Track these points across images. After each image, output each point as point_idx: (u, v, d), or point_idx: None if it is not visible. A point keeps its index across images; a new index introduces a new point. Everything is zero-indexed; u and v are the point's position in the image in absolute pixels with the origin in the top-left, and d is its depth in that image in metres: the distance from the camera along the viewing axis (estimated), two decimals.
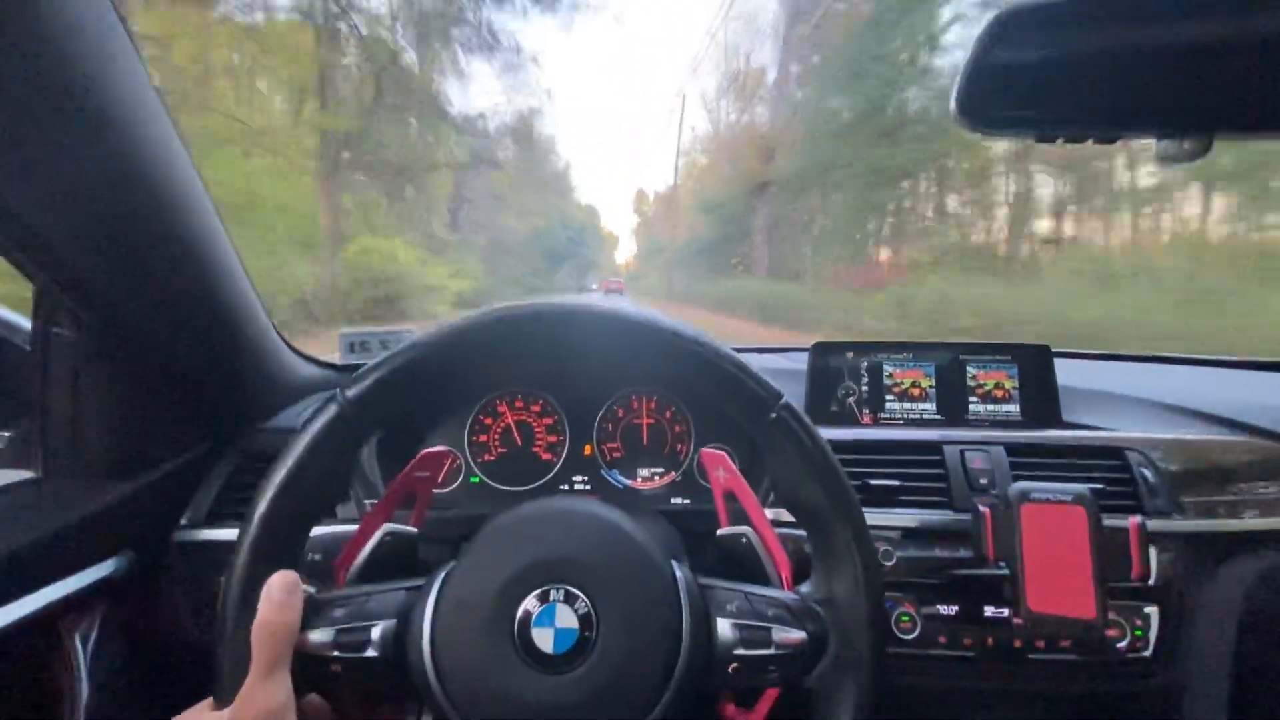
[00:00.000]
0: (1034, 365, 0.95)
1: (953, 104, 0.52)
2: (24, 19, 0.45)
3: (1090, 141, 0.53)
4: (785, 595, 0.48)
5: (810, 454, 0.47)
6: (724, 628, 0.45)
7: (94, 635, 0.68)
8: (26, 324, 0.71)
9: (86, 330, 0.65)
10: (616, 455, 0.91)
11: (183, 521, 0.77)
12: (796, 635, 0.45)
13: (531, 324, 0.47)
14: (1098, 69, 0.51)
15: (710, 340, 0.47)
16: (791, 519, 0.51)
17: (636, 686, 0.42)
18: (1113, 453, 0.82)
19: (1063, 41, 0.50)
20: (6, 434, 0.73)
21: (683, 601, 0.44)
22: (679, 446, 0.91)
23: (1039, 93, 0.52)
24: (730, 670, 0.45)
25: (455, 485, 0.89)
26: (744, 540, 0.58)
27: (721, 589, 0.48)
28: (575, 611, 0.42)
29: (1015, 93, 0.52)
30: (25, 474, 0.70)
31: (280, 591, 0.42)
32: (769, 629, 0.45)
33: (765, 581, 0.56)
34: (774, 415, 0.47)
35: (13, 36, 0.45)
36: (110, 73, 0.52)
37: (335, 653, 0.43)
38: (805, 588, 0.49)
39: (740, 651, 0.45)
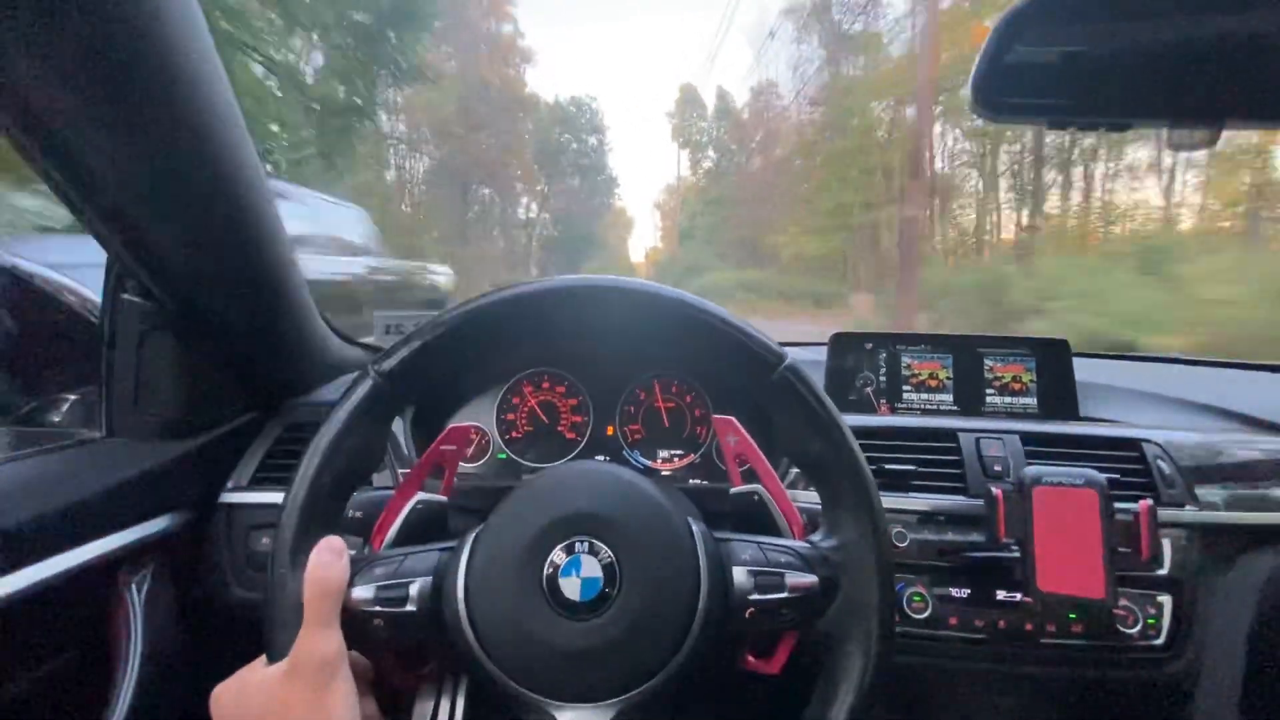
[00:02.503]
0: (1052, 359, 0.96)
1: (969, 93, 0.54)
2: (120, 15, 0.50)
3: (1102, 129, 0.55)
4: (796, 543, 0.51)
5: (813, 409, 0.50)
6: (739, 575, 0.48)
7: (147, 586, 0.72)
8: (93, 296, 0.77)
9: (153, 300, 0.70)
10: (638, 437, 0.94)
11: (229, 484, 0.82)
12: (808, 579, 0.48)
13: (547, 298, 0.50)
14: (1110, 60, 0.53)
15: (717, 307, 0.50)
16: (804, 495, 0.53)
17: (658, 631, 0.45)
18: (1129, 444, 0.82)
19: (1077, 34, 0.53)
20: (73, 397, 0.79)
21: (700, 552, 0.47)
22: (698, 430, 0.93)
23: (1052, 83, 0.54)
24: (747, 615, 0.47)
25: (484, 460, 0.92)
26: (755, 497, 0.60)
27: (736, 541, 0.50)
28: (599, 562, 0.45)
29: (1029, 82, 0.54)
30: (90, 433, 0.76)
31: (329, 553, 0.45)
32: (782, 574, 0.48)
33: (778, 535, 0.58)
34: (777, 376, 0.49)
35: (105, 24, 0.50)
36: (191, 67, 0.57)
37: (376, 608, 0.46)
38: (815, 536, 0.52)
39: (755, 597, 0.47)
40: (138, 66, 0.52)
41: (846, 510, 0.50)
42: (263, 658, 0.46)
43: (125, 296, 0.70)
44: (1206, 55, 0.51)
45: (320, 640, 0.42)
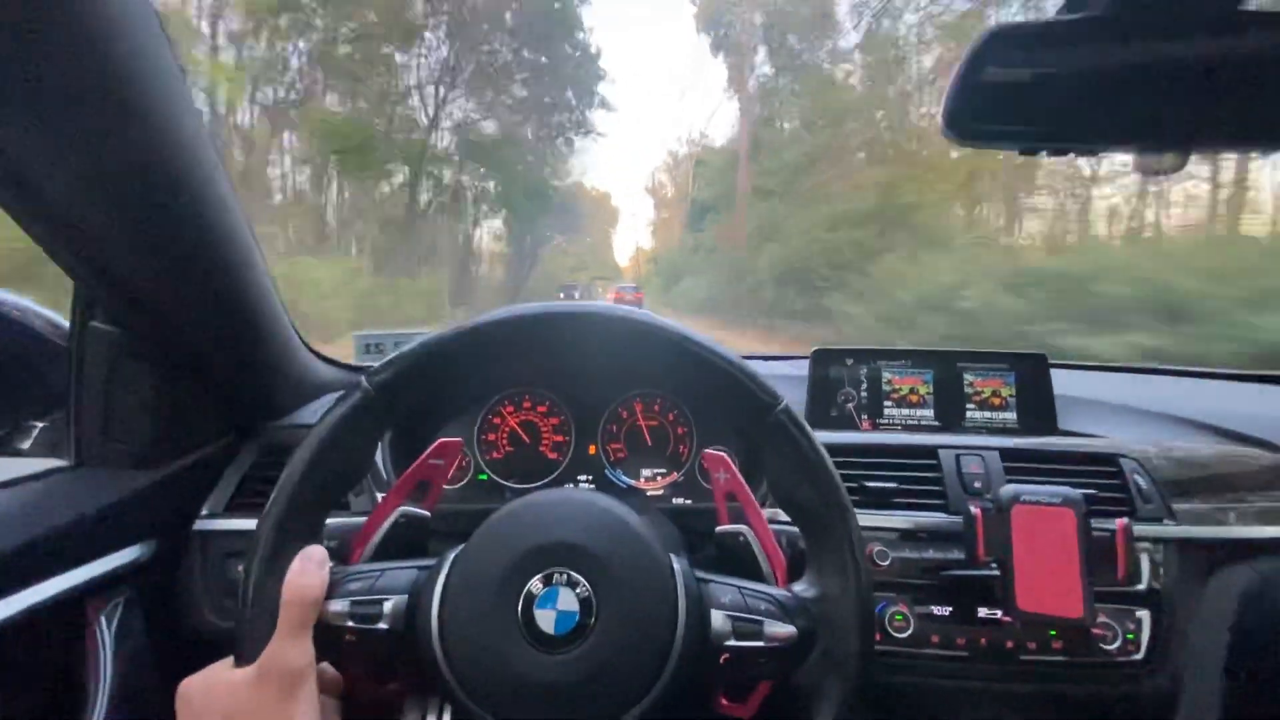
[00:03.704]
0: (1031, 373, 0.96)
1: (941, 117, 0.54)
2: (80, 35, 0.49)
3: (1072, 155, 0.56)
4: (778, 591, 0.50)
5: (807, 456, 0.49)
6: (718, 619, 0.47)
7: (118, 617, 0.71)
8: (63, 322, 0.75)
9: (122, 326, 0.69)
10: (620, 456, 0.93)
11: (203, 511, 0.80)
12: (786, 629, 0.47)
13: (542, 324, 0.50)
14: (1081, 87, 0.53)
15: (715, 345, 0.50)
16: (788, 519, 0.53)
17: (631, 670, 0.44)
18: (1107, 459, 0.83)
19: (1047, 60, 0.53)
20: (41, 424, 0.77)
21: (679, 592, 0.47)
22: (681, 448, 0.93)
23: (1024, 108, 0.55)
24: (722, 660, 0.47)
25: (464, 482, 0.91)
26: (741, 538, 0.60)
27: (717, 583, 0.50)
28: (576, 595, 0.45)
29: (1001, 108, 0.54)
30: (58, 462, 0.74)
31: (310, 562, 0.46)
32: (761, 622, 0.47)
33: (760, 578, 0.58)
34: (773, 418, 0.49)
35: (66, 46, 0.48)
36: (156, 87, 0.56)
37: (349, 623, 0.46)
38: (798, 585, 0.51)
39: (732, 643, 0.47)
40: (101, 88, 0.51)
41: (830, 561, 0.49)
42: (228, 660, 0.46)
43: (94, 324, 0.68)
44: (1175, 81, 0.51)
45: (290, 649, 0.43)
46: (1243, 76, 0.50)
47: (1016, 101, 0.55)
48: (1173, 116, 0.52)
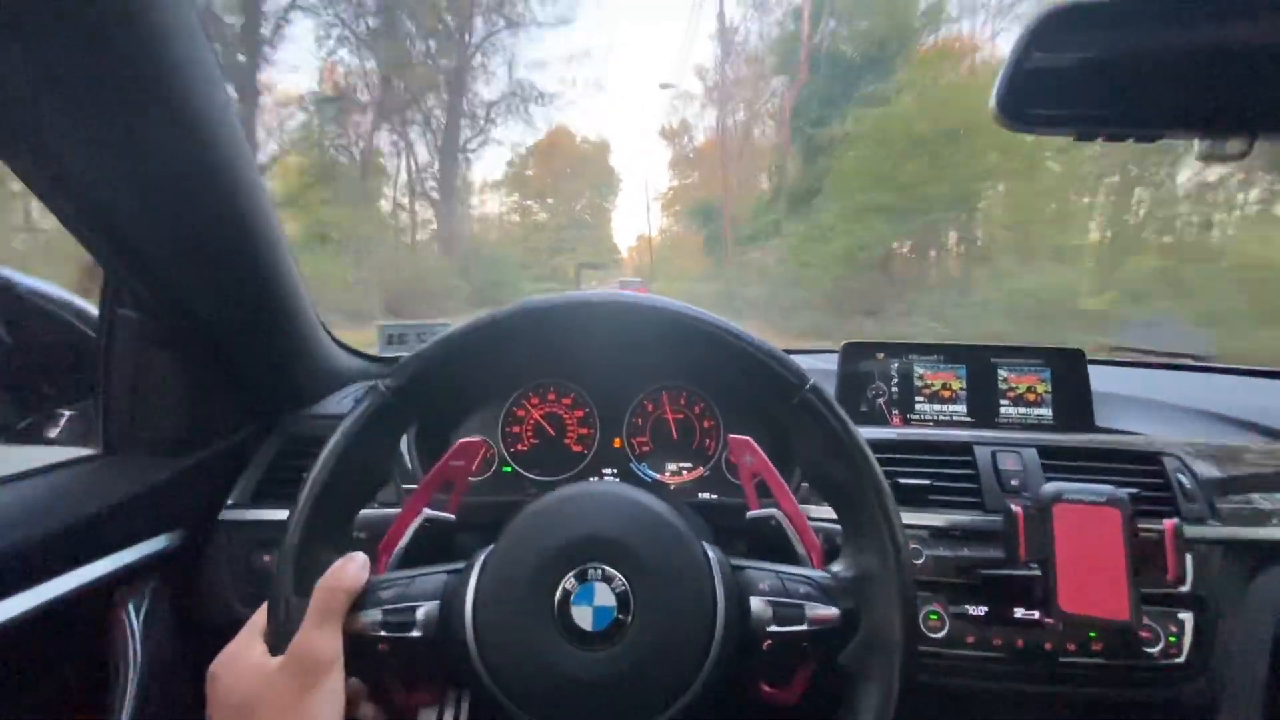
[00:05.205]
0: (1067, 369, 0.94)
1: (992, 102, 0.52)
2: (116, 25, 0.48)
3: (1131, 140, 0.54)
4: (817, 573, 0.49)
5: (837, 433, 0.48)
6: (758, 605, 0.46)
7: (145, 606, 0.71)
8: (92, 310, 0.75)
9: (151, 315, 0.68)
10: (646, 449, 0.92)
11: (229, 501, 0.80)
12: (829, 611, 0.46)
13: (558, 313, 0.49)
14: (1140, 69, 0.51)
15: (738, 327, 0.49)
16: (821, 512, 0.52)
17: (673, 662, 0.43)
18: (1148, 457, 0.81)
19: (1104, 41, 0.51)
20: (69, 412, 0.77)
21: (717, 580, 0.46)
22: (708, 442, 0.92)
23: (1080, 92, 0.52)
24: (765, 647, 0.46)
25: (489, 474, 0.91)
26: (773, 522, 0.59)
27: (754, 569, 0.49)
28: (613, 590, 0.44)
29: (1056, 92, 0.52)
30: (86, 451, 0.74)
31: (353, 564, 0.46)
32: (802, 606, 0.46)
33: (796, 562, 0.57)
34: (800, 398, 0.48)
35: (104, 39, 0.48)
36: (190, 80, 0.55)
37: (382, 632, 0.45)
38: (836, 566, 0.50)
39: (774, 628, 0.46)
40: (131, 76, 0.51)
41: (868, 539, 0.48)
42: (253, 627, 0.46)
43: (122, 311, 0.68)
44: (1240, 62, 0.49)
45: (318, 638, 0.43)
46: None
47: (1072, 86, 0.52)
48: (1238, 100, 0.50)
